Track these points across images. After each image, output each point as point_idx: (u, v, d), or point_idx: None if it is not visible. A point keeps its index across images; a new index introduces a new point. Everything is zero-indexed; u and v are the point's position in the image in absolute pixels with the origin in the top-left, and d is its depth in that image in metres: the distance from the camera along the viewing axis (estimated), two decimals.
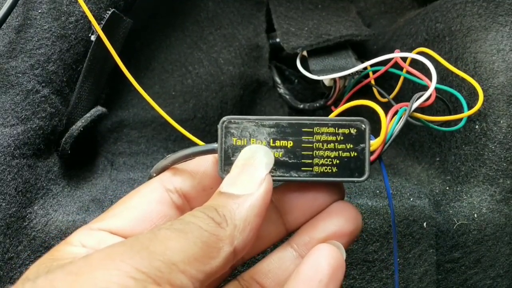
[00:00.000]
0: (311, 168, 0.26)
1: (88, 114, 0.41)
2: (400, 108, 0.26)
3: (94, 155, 0.45)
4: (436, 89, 0.28)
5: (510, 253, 0.38)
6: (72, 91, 0.40)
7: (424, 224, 0.37)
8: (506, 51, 0.38)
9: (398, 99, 0.43)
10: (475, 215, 0.38)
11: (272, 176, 0.25)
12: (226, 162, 0.26)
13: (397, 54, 0.32)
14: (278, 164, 0.26)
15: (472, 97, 0.39)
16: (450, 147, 0.41)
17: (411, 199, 0.38)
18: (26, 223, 0.36)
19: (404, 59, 0.34)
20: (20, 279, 0.21)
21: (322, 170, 0.26)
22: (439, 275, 0.39)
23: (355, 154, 0.25)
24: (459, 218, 0.38)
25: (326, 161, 0.26)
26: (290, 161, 0.26)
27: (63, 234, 0.36)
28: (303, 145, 0.26)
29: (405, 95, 0.46)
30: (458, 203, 0.39)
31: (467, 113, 0.29)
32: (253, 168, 0.25)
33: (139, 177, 0.41)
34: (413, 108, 0.26)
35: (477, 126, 0.39)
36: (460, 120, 0.30)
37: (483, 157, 0.38)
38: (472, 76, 0.39)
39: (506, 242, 0.38)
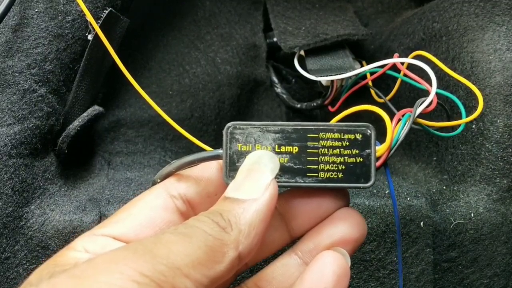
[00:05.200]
0: (316, 174, 0.25)
1: (85, 114, 0.41)
2: (404, 114, 0.26)
3: (91, 154, 0.45)
4: (436, 93, 0.28)
5: (507, 252, 0.39)
6: (69, 91, 0.40)
7: (421, 223, 0.38)
8: (503, 51, 0.38)
9: (396, 100, 0.43)
10: (472, 214, 0.38)
11: (278, 182, 0.25)
12: (231, 168, 0.25)
13: (396, 60, 0.32)
14: (283, 170, 0.25)
15: (469, 96, 0.39)
16: (447, 147, 0.41)
17: (408, 199, 0.38)
18: (23, 223, 0.36)
19: (403, 63, 0.34)
20: (23, 284, 0.20)
21: (327, 176, 0.25)
22: (436, 274, 0.39)
23: (361, 159, 0.25)
24: (456, 217, 0.38)
25: (332, 166, 0.25)
26: (295, 166, 0.25)
27: (60, 233, 0.36)
28: (308, 150, 0.25)
29: (402, 95, 0.46)
30: (455, 203, 0.39)
31: (465, 119, 0.29)
32: (259, 173, 0.24)
33: (136, 177, 0.41)
34: (416, 114, 0.26)
35: (474, 126, 0.39)
36: (458, 125, 0.30)
37: (480, 156, 0.38)
38: (469, 76, 0.39)
39: (502, 241, 0.38)
